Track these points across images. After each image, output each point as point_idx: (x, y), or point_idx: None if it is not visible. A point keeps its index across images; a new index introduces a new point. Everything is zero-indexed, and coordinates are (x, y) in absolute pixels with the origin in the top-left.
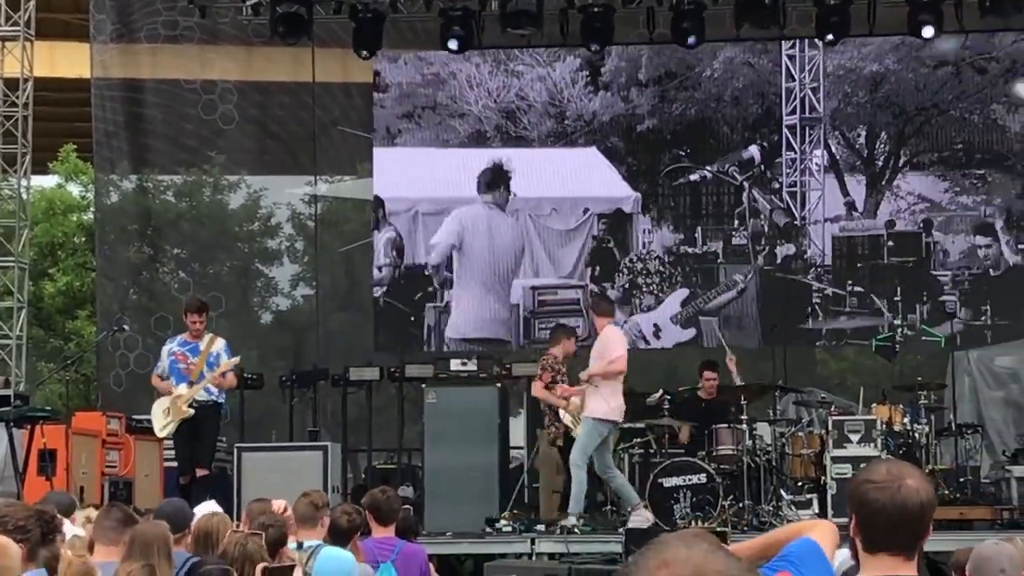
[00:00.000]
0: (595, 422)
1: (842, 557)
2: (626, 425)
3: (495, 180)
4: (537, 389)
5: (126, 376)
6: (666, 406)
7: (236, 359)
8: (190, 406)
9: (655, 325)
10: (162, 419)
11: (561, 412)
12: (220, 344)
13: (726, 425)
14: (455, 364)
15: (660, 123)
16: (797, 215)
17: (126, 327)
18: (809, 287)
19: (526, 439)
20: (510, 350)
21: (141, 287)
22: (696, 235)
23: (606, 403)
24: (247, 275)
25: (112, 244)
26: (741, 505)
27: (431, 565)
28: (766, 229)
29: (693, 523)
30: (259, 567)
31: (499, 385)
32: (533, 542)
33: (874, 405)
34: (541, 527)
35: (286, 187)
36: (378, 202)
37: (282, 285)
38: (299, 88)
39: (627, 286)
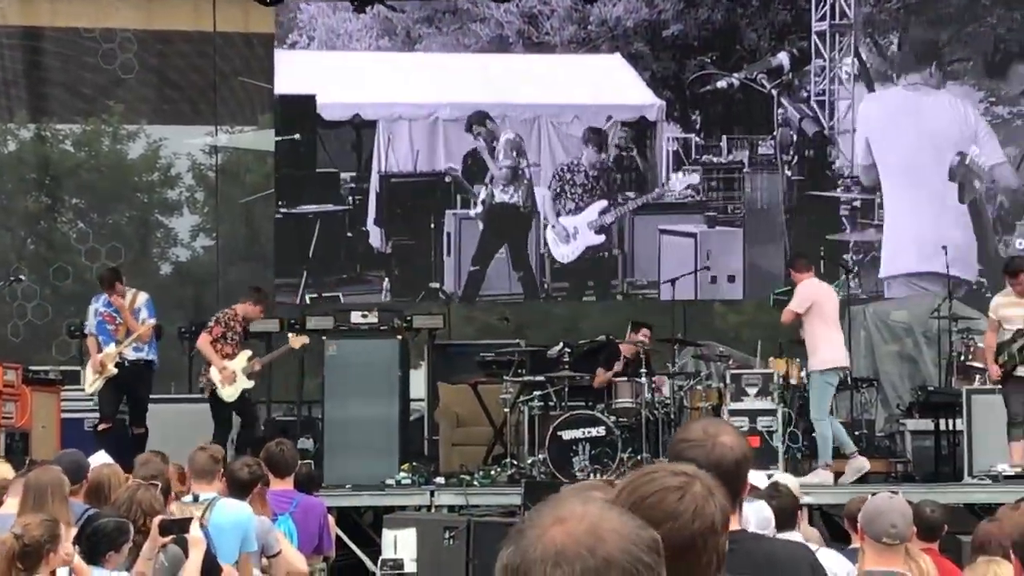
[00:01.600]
0: (817, 375)
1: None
2: (526, 378)
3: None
4: (203, 341)
5: (24, 327)
6: (566, 359)
7: (152, 322)
8: (116, 364)
9: None
10: (91, 376)
11: (213, 369)
12: (142, 299)
13: (626, 379)
14: (356, 316)
15: (686, 29)
16: (826, 125)
17: (22, 277)
18: (838, 199)
19: (427, 392)
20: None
21: (39, 237)
22: (722, 143)
23: (817, 355)
24: (146, 226)
25: (9, 194)
26: (640, 458)
27: (330, 518)
28: (794, 138)
29: (592, 475)
30: (156, 519)
31: (400, 338)
32: (432, 495)
33: (771, 359)
34: (440, 479)
35: (186, 137)
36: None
37: (182, 236)
38: (200, 38)
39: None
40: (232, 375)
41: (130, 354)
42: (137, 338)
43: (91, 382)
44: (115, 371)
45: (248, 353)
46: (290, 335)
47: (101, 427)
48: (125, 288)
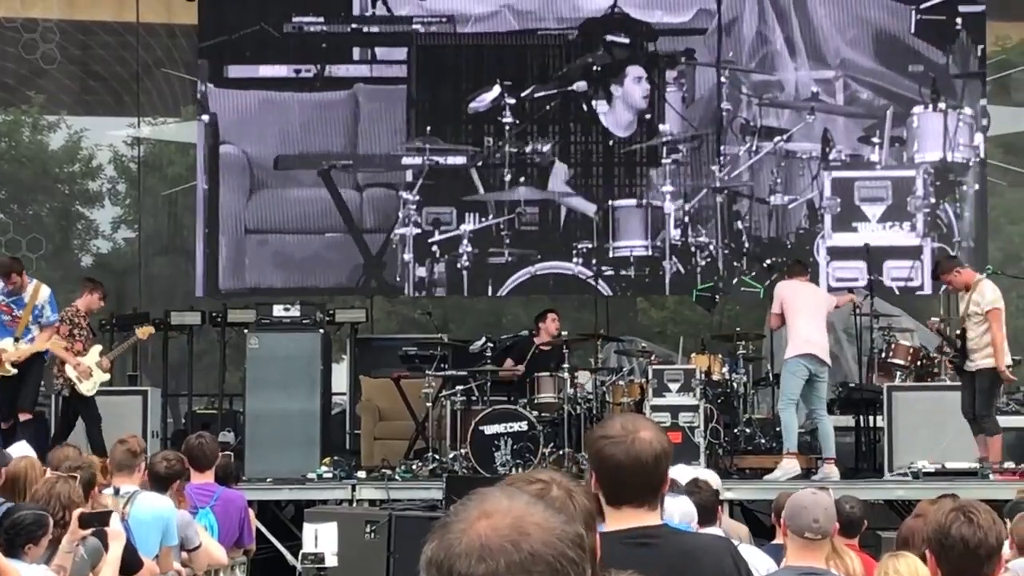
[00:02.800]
0: (784, 365)
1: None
2: (448, 372)
3: None
4: (52, 342)
5: None
6: (488, 354)
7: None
8: (13, 364)
9: None
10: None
11: (68, 367)
12: (44, 295)
13: (547, 373)
14: (278, 310)
15: None
16: None
17: None
18: None
19: (349, 386)
20: None
21: None
22: None
23: (786, 346)
24: (68, 217)
25: None
26: (561, 452)
27: (251, 511)
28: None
29: (514, 470)
30: (75, 512)
31: (322, 331)
32: (354, 488)
33: (693, 355)
34: (362, 473)
35: (108, 128)
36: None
37: (103, 228)
38: (123, 28)
39: None
40: (88, 370)
41: (23, 345)
42: (42, 347)
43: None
44: (13, 371)
45: (99, 347)
46: (136, 328)
47: (3, 426)
48: (25, 280)
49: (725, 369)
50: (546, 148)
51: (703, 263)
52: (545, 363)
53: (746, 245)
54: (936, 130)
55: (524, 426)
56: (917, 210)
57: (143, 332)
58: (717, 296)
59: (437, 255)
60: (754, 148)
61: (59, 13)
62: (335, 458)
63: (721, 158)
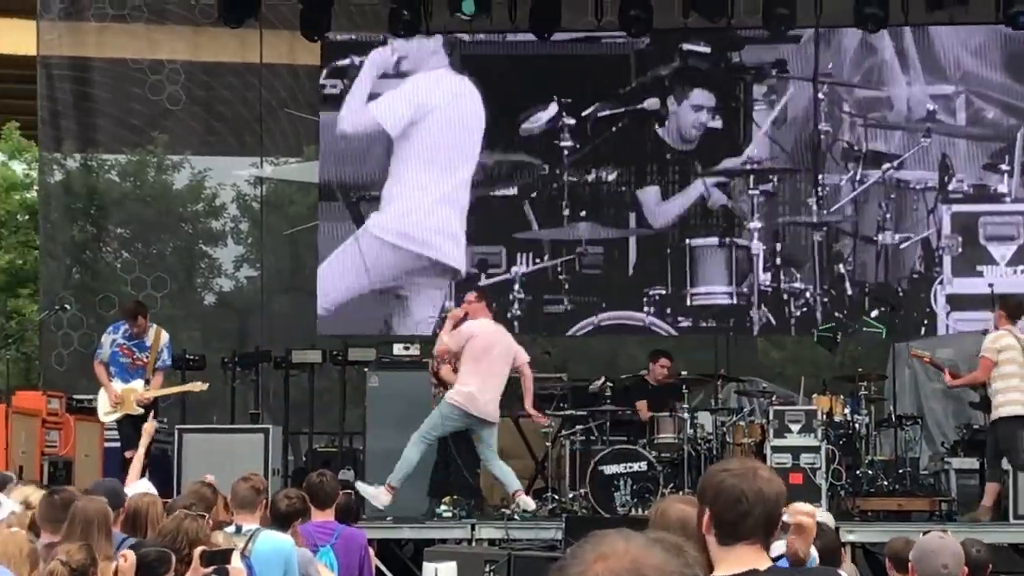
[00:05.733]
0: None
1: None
2: (568, 412)
3: None
4: (447, 373)
5: (68, 356)
6: (608, 393)
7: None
8: (139, 405)
9: None
10: (107, 406)
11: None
12: (164, 339)
13: (668, 414)
14: (398, 348)
15: None
16: None
17: (68, 306)
18: None
19: None
20: None
21: (84, 266)
22: None
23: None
24: (191, 256)
25: (56, 223)
26: (681, 494)
27: (371, 550)
28: None
29: (633, 511)
30: (197, 549)
31: None
32: (473, 528)
33: (815, 395)
34: (481, 513)
35: (231, 168)
36: None
37: (226, 266)
38: (246, 70)
39: None
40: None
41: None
42: (163, 393)
43: (106, 412)
44: (140, 411)
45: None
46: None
47: (128, 455)
48: (148, 323)
49: (847, 410)
50: (611, 177)
51: (798, 313)
52: (663, 403)
53: (849, 292)
54: None
55: (644, 466)
56: None
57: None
58: (839, 336)
59: None
60: (858, 177)
61: (185, 55)
62: (455, 497)
63: (819, 189)
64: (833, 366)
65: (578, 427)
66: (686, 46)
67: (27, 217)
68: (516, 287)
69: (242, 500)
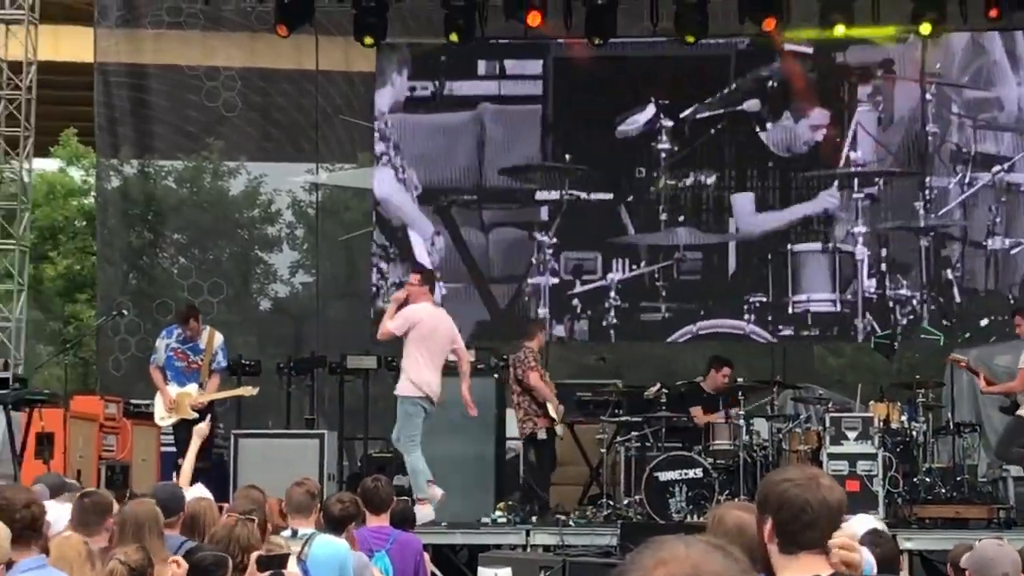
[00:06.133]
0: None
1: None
2: (623, 418)
3: None
4: (535, 379)
5: (125, 360)
6: (663, 400)
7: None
8: (194, 409)
9: None
10: (162, 411)
11: (549, 405)
12: (219, 341)
13: (723, 420)
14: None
15: None
16: None
17: (125, 312)
18: None
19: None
20: None
21: (141, 272)
22: None
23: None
24: (247, 261)
25: (113, 228)
26: (737, 500)
27: (426, 555)
28: None
29: (688, 517)
30: (253, 555)
31: (496, 376)
32: (528, 534)
33: (872, 402)
34: (536, 519)
35: (287, 174)
36: None
37: (281, 272)
38: (302, 76)
39: None
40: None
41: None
42: (219, 396)
43: (162, 416)
44: (195, 415)
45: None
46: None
47: (180, 462)
48: (201, 326)
49: (904, 417)
50: (710, 180)
51: (904, 321)
52: (718, 409)
53: (957, 299)
54: None
55: (699, 473)
56: None
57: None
58: (896, 343)
59: (578, 310)
60: (967, 180)
61: (241, 61)
62: (509, 503)
63: (926, 192)
64: (890, 373)
65: (633, 433)
66: (788, 46)
67: (84, 223)
68: (612, 294)
69: (297, 504)
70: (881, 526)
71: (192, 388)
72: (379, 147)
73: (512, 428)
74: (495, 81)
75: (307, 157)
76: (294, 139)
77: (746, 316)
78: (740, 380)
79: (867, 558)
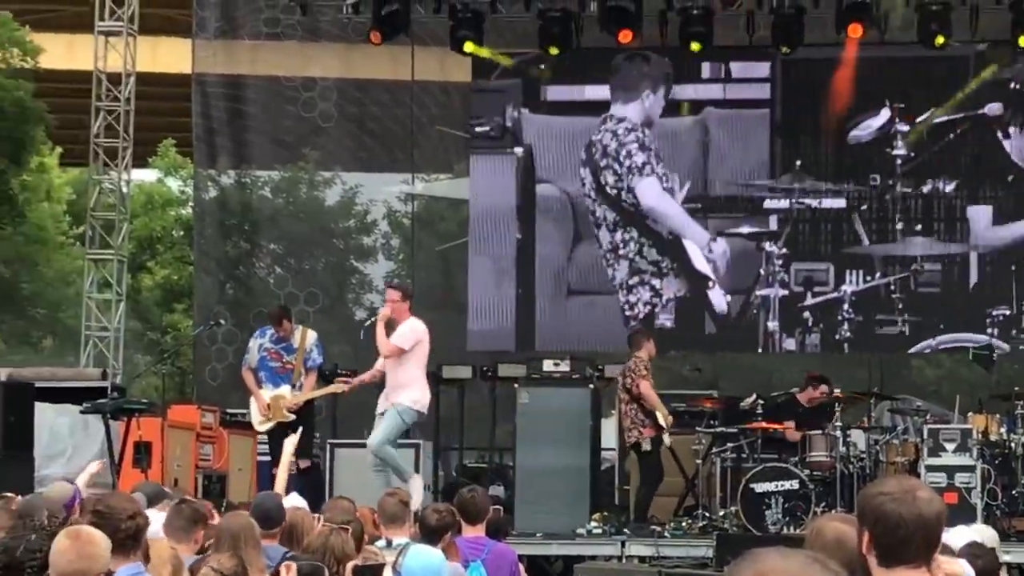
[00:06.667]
0: None
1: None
2: (719, 429)
3: None
4: (647, 388)
5: (222, 370)
6: (759, 411)
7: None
8: (290, 411)
9: None
10: (259, 415)
11: (659, 414)
12: (312, 339)
13: (820, 432)
14: (548, 365)
15: None
16: None
17: (222, 321)
18: None
19: (618, 441)
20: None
21: (238, 282)
22: None
23: None
24: (342, 271)
25: (209, 239)
26: (833, 512)
27: (521, 566)
28: None
29: (785, 529)
30: (349, 565)
31: (592, 386)
32: (623, 545)
33: (970, 414)
34: (631, 530)
35: (382, 185)
36: None
37: (377, 282)
38: (398, 86)
39: None
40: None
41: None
42: (315, 395)
43: (259, 421)
44: (291, 417)
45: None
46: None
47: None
48: (293, 326)
49: (1003, 429)
50: (950, 188)
51: None
52: (814, 423)
53: None
54: None
55: (796, 484)
56: None
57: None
58: (995, 354)
59: (810, 323)
60: None
61: (337, 72)
62: (604, 514)
63: None
64: (989, 385)
65: (729, 444)
66: None
67: (182, 233)
68: (845, 306)
69: (391, 515)
70: (989, 535)
71: (285, 390)
72: (639, 157)
73: (608, 439)
74: (719, 85)
75: (402, 167)
76: (389, 149)
77: (988, 329)
78: (837, 392)
79: (967, 571)
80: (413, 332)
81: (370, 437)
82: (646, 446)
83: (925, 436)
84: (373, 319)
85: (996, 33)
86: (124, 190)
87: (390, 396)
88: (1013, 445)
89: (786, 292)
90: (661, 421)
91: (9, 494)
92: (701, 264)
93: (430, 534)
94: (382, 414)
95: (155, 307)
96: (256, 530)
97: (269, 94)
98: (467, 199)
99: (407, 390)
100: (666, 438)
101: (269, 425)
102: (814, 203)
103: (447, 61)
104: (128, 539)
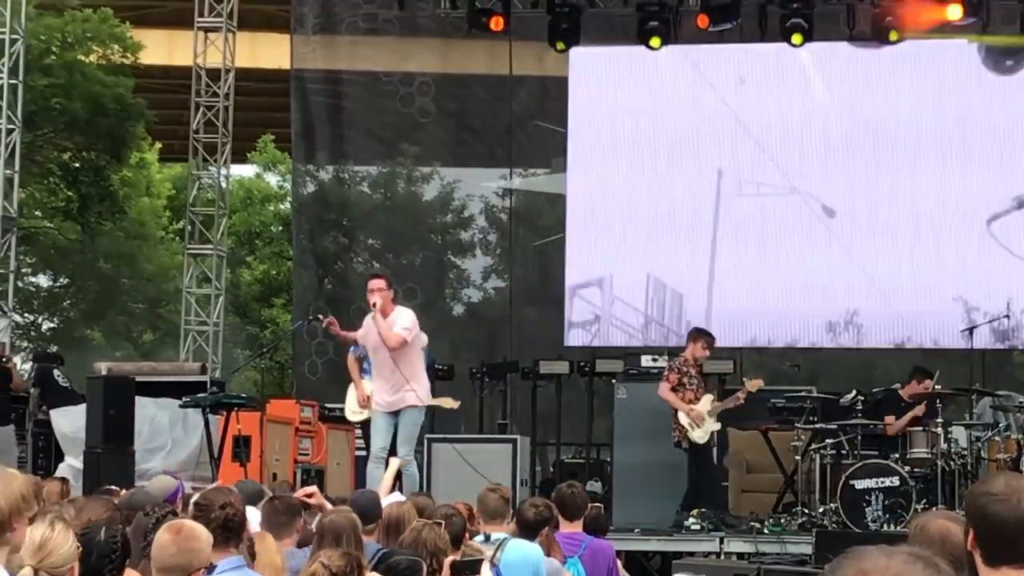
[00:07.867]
0: None
1: None
2: (818, 425)
3: None
4: (663, 390)
5: (322, 365)
6: (859, 407)
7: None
8: None
9: None
10: (354, 404)
11: (680, 415)
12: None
13: (921, 428)
14: (646, 360)
15: None
16: None
17: (321, 316)
18: None
19: (717, 437)
20: None
21: (336, 277)
22: None
23: None
24: (440, 266)
25: (308, 234)
26: (935, 509)
27: (619, 562)
28: None
29: (885, 526)
30: (447, 560)
31: None
32: (722, 541)
33: None
34: (730, 526)
35: (480, 180)
36: None
37: (474, 277)
38: (495, 81)
39: None
40: (700, 416)
41: None
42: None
43: (353, 411)
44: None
45: (711, 396)
46: (746, 380)
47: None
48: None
49: None
50: None
51: None
52: (915, 418)
53: None
54: None
55: (896, 481)
56: None
57: (752, 385)
58: None
59: None
60: None
61: (435, 67)
62: (703, 510)
63: None
64: None
65: (828, 441)
66: None
67: (281, 228)
68: None
69: (492, 510)
70: None
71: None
72: None
73: None
74: None
75: (500, 162)
76: (487, 144)
77: None
78: (938, 388)
79: None
80: (413, 322)
81: (399, 448)
82: (684, 445)
83: None
84: (373, 312)
85: None
86: (223, 185)
87: (398, 391)
88: None
89: None
90: (683, 422)
91: (113, 487)
92: None
93: (527, 529)
94: (391, 414)
95: (254, 302)
96: (359, 528)
97: (367, 89)
98: (564, 194)
99: (415, 383)
100: (695, 435)
101: (362, 416)
102: None
103: (545, 56)
104: (221, 529)
